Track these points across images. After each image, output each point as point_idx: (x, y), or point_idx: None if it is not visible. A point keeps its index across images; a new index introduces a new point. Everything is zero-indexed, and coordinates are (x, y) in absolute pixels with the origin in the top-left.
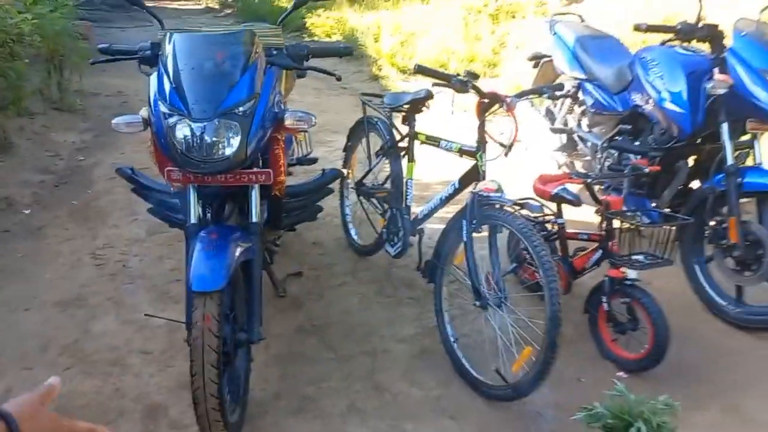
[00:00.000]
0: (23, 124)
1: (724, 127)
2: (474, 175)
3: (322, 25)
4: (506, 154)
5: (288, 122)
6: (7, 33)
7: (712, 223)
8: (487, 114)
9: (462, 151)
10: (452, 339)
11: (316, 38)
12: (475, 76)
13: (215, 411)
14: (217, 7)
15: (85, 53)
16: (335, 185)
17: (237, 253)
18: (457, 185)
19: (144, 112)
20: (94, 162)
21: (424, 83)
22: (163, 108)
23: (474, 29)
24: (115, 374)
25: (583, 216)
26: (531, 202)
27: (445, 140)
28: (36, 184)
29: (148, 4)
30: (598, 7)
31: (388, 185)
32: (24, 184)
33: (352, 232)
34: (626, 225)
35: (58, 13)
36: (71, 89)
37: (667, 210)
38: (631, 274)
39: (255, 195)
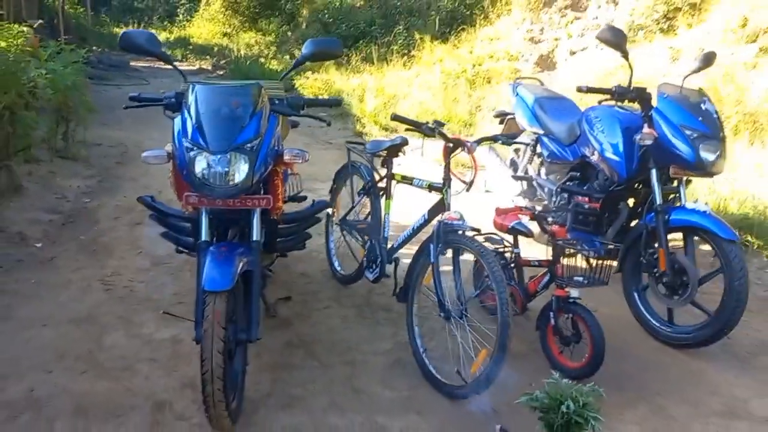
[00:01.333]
0: (31, 170)
1: (653, 172)
2: (441, 207)
3: (310, 86)
4: (468, 190)
5: (286, 157)
6: (26, 86)
7: (646, 255)
8: (451, 155)
9: (431, 187)
10: (421, 350)
11: None
12: (441, 124)
13: (220, 392)
14: (209, 68)
15: (90, 106)
16: (321, 221)
17: (241, 263)
18: (426, 216)
19: (168, 147)
20: (99, 204)
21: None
22: (186, 143)
23: (452, 93)
24: (126, 377)
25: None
26: (493, 236)
27: (418, 179)
28: (45, 222)
29: (145, 64)
30: (568, 74)
31: (369, 220)
32: (34, 221)
33: (336, 263)
34: (571, 251)
35: (70, 69)
36: (75, 139)
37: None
38: (574, 293)
39: (256, 217)
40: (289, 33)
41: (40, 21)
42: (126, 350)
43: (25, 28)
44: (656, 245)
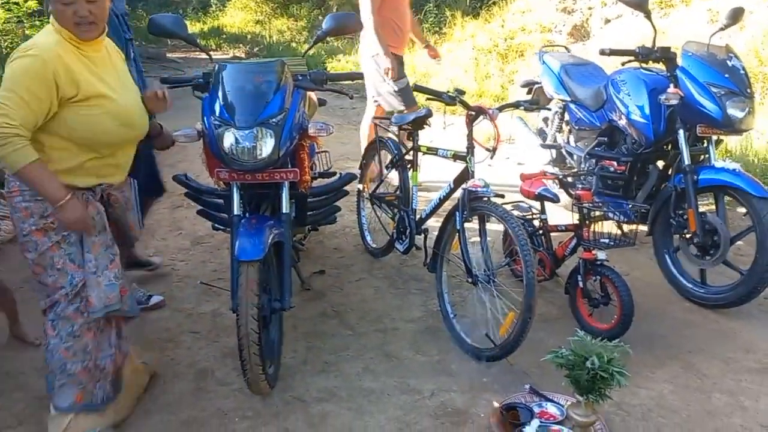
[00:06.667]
0: None
1: (681, 132)
2: (465, 175)
3: (342, 68)
4: (492, 157)
5: (311, 131)
6: None
7: (675, 216)
8: (473, 123)
9: (455, 156)
10: (451, 315)
11: None
12: (462, 93)
13: (256, 356)
14: (243, 56)
15: None
16: (353, 198)
17: (271, 234)
18: (452, 185)
19: (198, 126)
20: None
21: None
22: (214, 120)
23: (484, 68)
24: (170, 348)
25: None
26: (521, 203)
27: (442, 149)
28: None
29: (181, 54)
30: (603, 43)
31: (398, 193)
32: None
33: (368, 237)
34: (596, 214)
35: None
36: None
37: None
38: (601, 255)
39: (285, 190)
40: (320, 17)
41: None
42: (169, 323)
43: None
44: (686, 206)
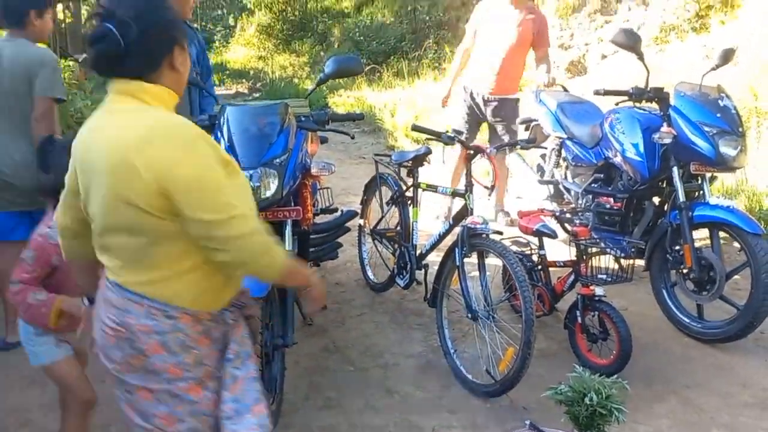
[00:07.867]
0: None
1: (675, 170)
2: (464, 212)
3: (342, 103)
4: (489, 195)
5: (314, 170)
6: (73, 117)
7: (672, 252)
8: (471, 162)
9: (454, 193)
10: (452, 351)
11: None
12: (460, 132)
13: None
14: (246, 91)
15: None
16: (354, 233)
17: None
18: (451, 222)
19: None
20: None
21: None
22: None
23: None
24: None
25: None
26: (519, 239)
27: (442, 186)
28: None
29: None
30: (600, 79)
31: (398, 228)
32: None
33: (369, 272)
34: (594, 250)
35: None
36: None
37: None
38: (599, 291)
39: (288, 228)
40: (322, 53)
41: (85, 55)
42: None
43: (71, 63)
44: (681, 242)
